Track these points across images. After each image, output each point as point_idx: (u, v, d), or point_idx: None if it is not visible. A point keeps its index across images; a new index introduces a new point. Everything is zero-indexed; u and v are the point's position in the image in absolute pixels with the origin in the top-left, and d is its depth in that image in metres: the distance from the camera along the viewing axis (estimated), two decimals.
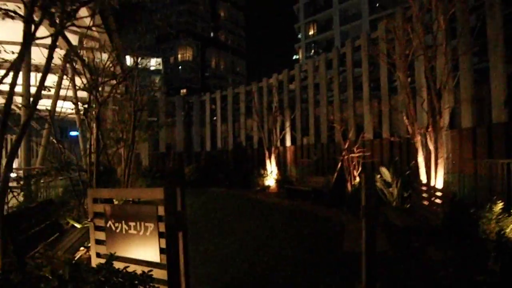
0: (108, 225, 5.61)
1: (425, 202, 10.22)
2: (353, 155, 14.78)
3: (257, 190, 19.85)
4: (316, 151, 19.35)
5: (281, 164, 20.65)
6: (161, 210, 4.97)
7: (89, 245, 9.41)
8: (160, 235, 5.08)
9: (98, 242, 5.91)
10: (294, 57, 62.59)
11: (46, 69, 5.96)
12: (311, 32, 58.84)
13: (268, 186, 19.54)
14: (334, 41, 52.96)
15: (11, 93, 5.16)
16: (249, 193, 19.02)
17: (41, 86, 5.86)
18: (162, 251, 5.07)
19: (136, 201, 9.48)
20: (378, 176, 12.66)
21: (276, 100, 20.86)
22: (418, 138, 11.30)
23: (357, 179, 14.58)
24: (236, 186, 21.09)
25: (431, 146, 10.55)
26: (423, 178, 11.13)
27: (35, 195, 12.88)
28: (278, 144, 20.57)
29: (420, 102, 12.07)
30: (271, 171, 19.85)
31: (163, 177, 23.21)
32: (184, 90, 50.27)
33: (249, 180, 20.80)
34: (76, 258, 7.14)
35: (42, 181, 13.62)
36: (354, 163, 14.72)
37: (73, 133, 26.64)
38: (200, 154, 25.84)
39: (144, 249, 5.22)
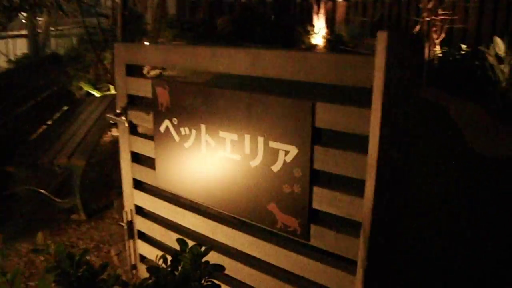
0: (161, 127, 2.42)
1: None
2: (435, 17, 11.13)
3: (302, 48, 16.33)
4: (375, 10, 15.49)
5: (329, 22, 16.87)
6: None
7: (114, 130, 6.31)
8: (313, 183, 1.84)
9: (137, 159, 2.76)
10: None
11: None
12: None
13: (315, 46, 16.03)
14: None
15: None
16: None
17: None
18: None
19: None
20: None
21: None
22: None
23: (438, 47, 11.12)
24: (276, 43, 17.44)
25: None
26: None
27: (41, 48, 9.59)
28: None
29: None
30: (319, 29, 16.20)
31: (192, 29, 19.69)
32: None
33: (291, 37, 17.12)
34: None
35: (52, 29, 10.27)
36: (435, 28, 11.14)
37: None
38: (233, 4, 21.77)
39: (258, 207, 2.04)
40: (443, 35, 11.11)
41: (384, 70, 1.45)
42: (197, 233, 2.44)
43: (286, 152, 1.87)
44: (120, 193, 4.29)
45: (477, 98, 8.77)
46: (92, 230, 3.66)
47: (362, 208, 1.70)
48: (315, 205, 1.87)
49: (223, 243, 2.31)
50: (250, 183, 2.05)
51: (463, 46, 10.75)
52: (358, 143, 1.78)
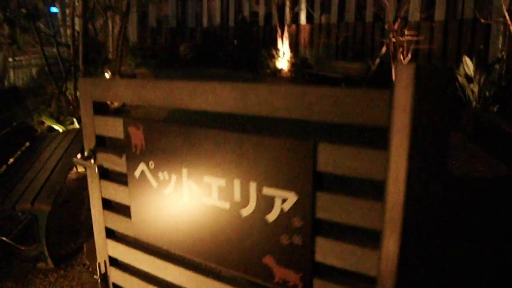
0: (136, 172, 2.20)
1: None
2: (402, 38, 11.22)
3: (267, 73, 16.26)
4: (339, 32, 15.59)
5: (293, 45, 16.90)
6: (322, 153, 1.51)
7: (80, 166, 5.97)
8: (315, 234, 1.61)
9: (110, 206, 2.50)
10: None
11: None
12: None
13: (280, 70, 15.98)
14: None
15: None
16: (258, 77, 15.48)
17: None
18: None
19: None
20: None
21: None
22: None
23: None
24: (240, 68, 17.41)
25: None
26: None
27: None
28: (290, 22, 16.69)
29: None
30: (283, 53, 16.19)
31: (155, 56, 19.48)
32: None
33: (255, 62, 17.09)
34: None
35: (10, 60, 9.90)
36: (402, 49, 11.22)
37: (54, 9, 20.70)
38: (195, 30, 21.68)
39: (252, 260, 1.82)
40: (409, 56, 11.17)
41: (406, 109, 1.27)
42: (181, 287, 2.20)
43: (284, 200, 1.68)
44: (89, 235, 4.02)
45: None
46: (62, 279, 3.36)
47: (377, 261, 1.51)
48: (318, 258, 1.67)
49: None
50: (241, 234, 1.84)
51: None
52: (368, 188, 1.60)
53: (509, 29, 8.51)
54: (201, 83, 1.86)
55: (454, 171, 5.85)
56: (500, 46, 10.01)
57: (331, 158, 1.54)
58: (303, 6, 17.06)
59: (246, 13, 19.93)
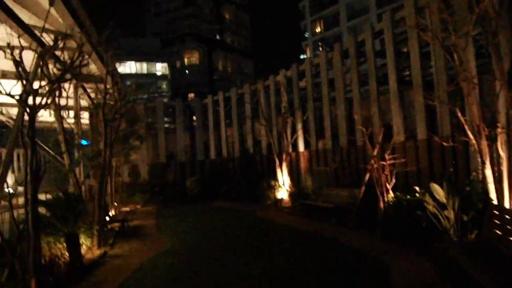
0: None
1: None
2: (384, 163, 10.96)
3: (268, 204, 16.24)
4: (334, 157, 15.59)
5: (293, 173, 16.95)
6: None
7: None
8: None
9: None
10: (302, 56, 58.51)
11: None
12: (318, 29, 55.25)
13: (281, 200, 15.89)
14: (342, 37, 49.02)
15: None
16: (259, 210, 15.41)
17: None
18: None
19: None
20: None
21: (285, 99, 17.17)
22: (483, 142, 7.82)
23: (391, 193, 10.85)
24: (244, 199, 17.58)
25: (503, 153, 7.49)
26: (493, 196, 7.72)
27: None
28: (290, 149, 16.91)
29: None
30: (283, 182, 16.16)
31: (163, 192, 19.83)
32: (192, 95, 47.15)
33: (258, 192, 17.19)
34: None
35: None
36: (386, 173, 10.91)
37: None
38: (204, 163, 22.22)
39: None
40: (393, 180, 10.86)
41: None
42: None
43: None
44: None
45: (426, 250, 8.24)
46: None
47: None
48: None
49: None
50: None
51: (417, 189, 10.38)
52: None
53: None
54: None
55: None
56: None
57: None
58: (300, 133, 17.35)
59: (250, 143, 20.40)
